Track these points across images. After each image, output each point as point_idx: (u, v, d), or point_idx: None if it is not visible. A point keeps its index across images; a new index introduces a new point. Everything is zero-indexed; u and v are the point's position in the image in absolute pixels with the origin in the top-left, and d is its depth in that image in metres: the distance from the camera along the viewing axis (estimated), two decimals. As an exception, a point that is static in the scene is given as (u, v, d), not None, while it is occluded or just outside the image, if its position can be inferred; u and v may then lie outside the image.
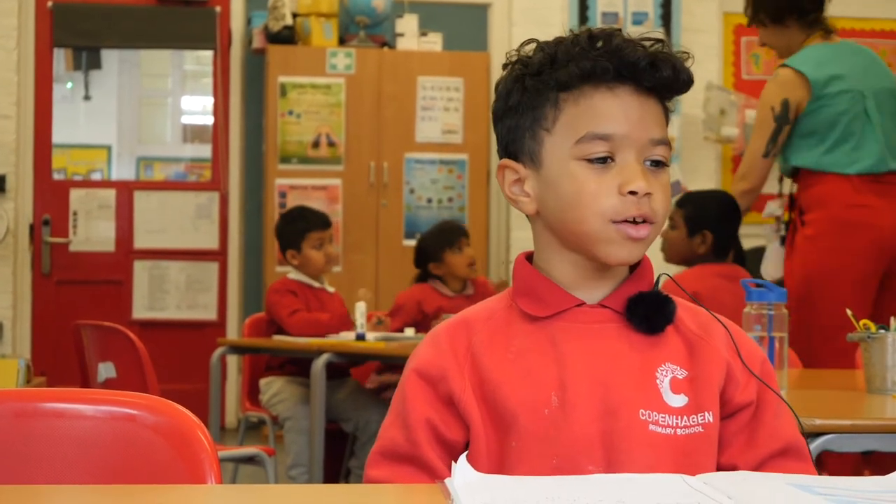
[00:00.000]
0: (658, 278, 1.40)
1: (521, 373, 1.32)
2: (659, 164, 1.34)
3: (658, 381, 1.32)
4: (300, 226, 4.44)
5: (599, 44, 1.33)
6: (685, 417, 1.31)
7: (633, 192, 1.30)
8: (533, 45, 1.38)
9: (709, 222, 3.72)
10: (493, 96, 1.43)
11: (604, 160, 1.32)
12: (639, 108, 1.33)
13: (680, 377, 1.33)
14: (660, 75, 1.32)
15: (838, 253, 3.64)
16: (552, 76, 1.34)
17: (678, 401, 1.32)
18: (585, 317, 1.35)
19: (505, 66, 1.40)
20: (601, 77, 1.32)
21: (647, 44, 1.33)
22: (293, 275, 4.47)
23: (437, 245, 4.59)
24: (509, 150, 1.39)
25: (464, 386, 1.32)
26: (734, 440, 1.35)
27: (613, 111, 1.32)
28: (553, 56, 1.34)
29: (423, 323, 4.46)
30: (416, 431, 1.32)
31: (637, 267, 1.39)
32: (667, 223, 3.41)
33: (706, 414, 1.32)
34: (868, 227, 3.64)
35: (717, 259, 3.71)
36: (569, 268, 1.37)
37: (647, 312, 1.35)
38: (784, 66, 3.80)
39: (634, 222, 1.31)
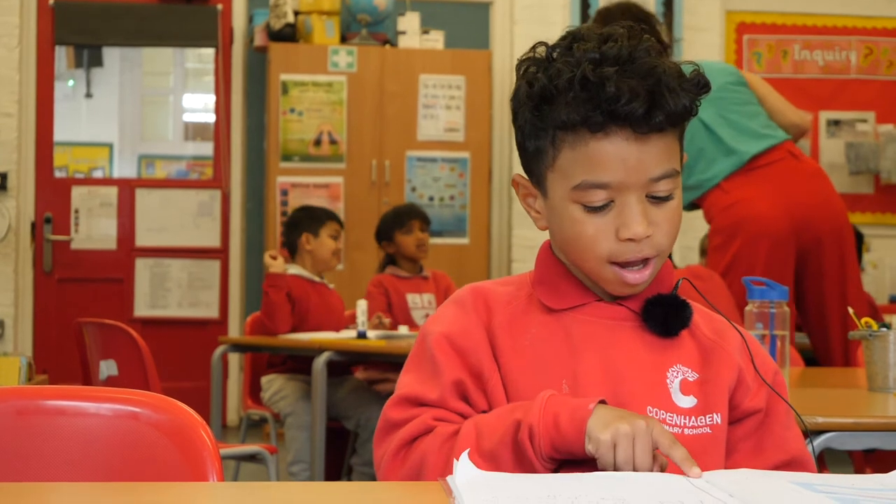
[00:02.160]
0: (678, 282, 1.39)
1: (535, 365, 1.32)
2: (663, 198, 1.31)
3: (668, 382, 1.33)
4: (321, 214, 4.60)
5: (594, 87, 1.25)
6: (693, 418, 1.32)
7: (630, 239, 1.29)
8: (543, 49, 1.33)
9: None
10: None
11: (601, 207, 1.30)
12: (637, 152, 1.28)
13: (690, 379, 1.34)
14: (654, 122, 1.27)
15: (732, 253, 3.74)
16: (549, 115, 1.30)
17: (687, 402, 1.32)
18: (602, 312, 1.36)
19: (517, 68, 1.36)
20: (594, 126, 1.27)
21: (649, 74, 1.26)
22: (293, 270, 4.46)
23: (389, 226, 4.84)
24: (522, 163, 1.39)
25: (493, 368, 1.32)
26: (740, 446, 1.36)
27: (609, 159, 1.28)
28: (551, 93, 1.29)
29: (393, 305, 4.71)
30: (447, 388, 1.31)
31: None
32: None
33: (714, 415, 1.33)
34: (745, 221, 3.73)
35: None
36: (583, 273, 1.37)
37: (664, 316, 1.35)
38: None
39: (634, 264, 1.31)
